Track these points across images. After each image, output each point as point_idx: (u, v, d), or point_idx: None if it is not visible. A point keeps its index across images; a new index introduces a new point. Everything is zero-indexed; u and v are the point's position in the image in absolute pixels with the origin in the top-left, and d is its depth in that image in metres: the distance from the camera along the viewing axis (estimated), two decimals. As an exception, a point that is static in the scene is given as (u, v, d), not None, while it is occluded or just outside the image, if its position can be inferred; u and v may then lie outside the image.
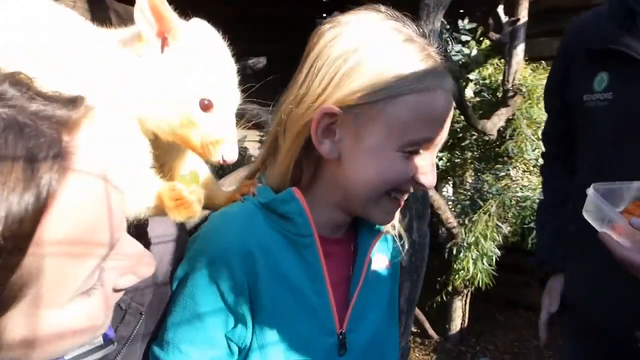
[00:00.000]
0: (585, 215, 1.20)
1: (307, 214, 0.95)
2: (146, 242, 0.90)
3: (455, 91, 0.97)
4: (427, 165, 0.94)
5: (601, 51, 1.36)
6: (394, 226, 1.13)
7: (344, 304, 1.02)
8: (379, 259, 1.11)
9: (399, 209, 1.05)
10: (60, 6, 0.84)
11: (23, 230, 0.45)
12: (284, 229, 0.96)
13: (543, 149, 1.77)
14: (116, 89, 0.80)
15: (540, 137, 1.83)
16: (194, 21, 0.86)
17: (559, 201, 1.60)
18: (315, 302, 0.97)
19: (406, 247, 1.15)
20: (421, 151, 0.93)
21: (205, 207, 1.03)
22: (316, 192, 0.99)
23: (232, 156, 0.85)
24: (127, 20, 2.96)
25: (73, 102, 0.52)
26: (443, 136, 0.96)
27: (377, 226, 1.07)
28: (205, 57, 0.83)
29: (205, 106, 0.81)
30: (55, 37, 0.76)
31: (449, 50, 4.34)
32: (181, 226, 0.99)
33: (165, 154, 0.92)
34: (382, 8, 0.97)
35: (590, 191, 1.18)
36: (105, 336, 0.70)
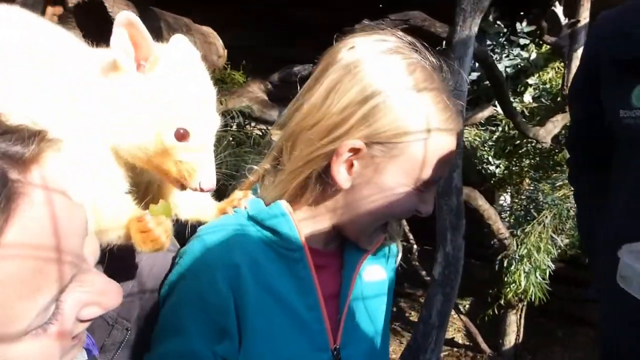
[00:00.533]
0: (621, 283, 1.05)
1: (297, 228, 0.95)
2: (133, 254, 0.91)
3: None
4: (429, 196, 1.00)
5: (634, 59, 1.17)
6: (390, 237, 1.11)
7: (335, 317, 1.00)
8: (374, 270, 1.09)
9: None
10: (47, 24, 0.85)
11: None
12: (274, 243, 0.95)
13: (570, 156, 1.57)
14: (89, 116, 0.79)
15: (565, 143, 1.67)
16: (173, 41, 0.85)
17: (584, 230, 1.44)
18: (307, 317, 0.95)
19: (399, 255, 1.15)
20: (430, 185, 0.97)
21: (195, 220, 1.03)
22: (315, 212, 0.99)
23: (209, 184, 0.83)
24: (177, 29, 3.08)
25: (30, 137, 0.51)
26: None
27: None
28: (182, 84, 0.82)
29: (181, 135, 0.80)
30: (31, 60, 0.76)
31: (506, 54, 4.20)
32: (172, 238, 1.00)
33: (151, 173, 0.91)
34: (400, 33, 0.99)
35: (623, 255, 1.01)
36: (89, 352, 0.71)
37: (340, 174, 0.93)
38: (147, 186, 0.94)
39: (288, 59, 3.15)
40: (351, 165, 0.93)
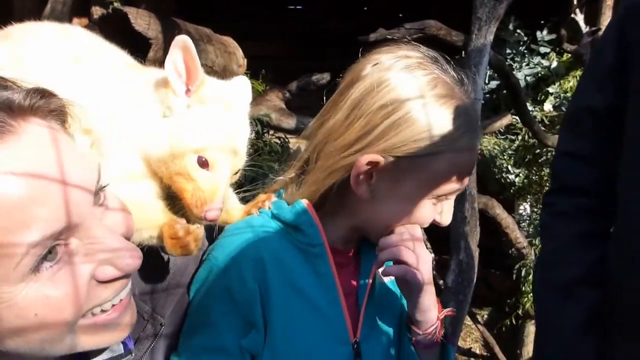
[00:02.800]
0: None
1: (318, 224, 0.99)
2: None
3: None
4: (448, 207, 1.01)
5: None
6: None
7: (355, 313, 1.04)
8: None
9: None
10: (101, 41, 0.93)
11: None
12: (296, 240, 1.00)
13: (553, 184, 1.26)
14: (129, 127, 0.86)
15: (552, 166, 1.28)
16: (236, 79, 0.93)
17: (595, 279, 1.10)
18: (328, 312, 0.99)
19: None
20: (447, 197, 1.00)
21: (222, 221, 1.08)
22: (336, 215, 1.03)
23: (213, 216, 0.87)
24: (198, 40, 3.14)
25: (33, 91, 0.56)
26: None
27: None
28: (217, 118, 0.88)
29: (202, 163, 0.86)
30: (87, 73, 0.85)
31: (526, 63, 4.19)
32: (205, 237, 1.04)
33: None
34: (423, 48, 1.02)
35: None
36: (125, 345, 0.73)
37: (360, 186, 0.97)
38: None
39: (307, 68, 3.19)
40: (370, 177, 0.96)
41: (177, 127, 0.86)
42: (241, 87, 0.97)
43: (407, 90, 0.94)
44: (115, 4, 2.84)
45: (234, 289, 0.93)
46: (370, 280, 1.06)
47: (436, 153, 0.93)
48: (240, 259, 0.95)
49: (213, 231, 1.05)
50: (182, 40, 0.82)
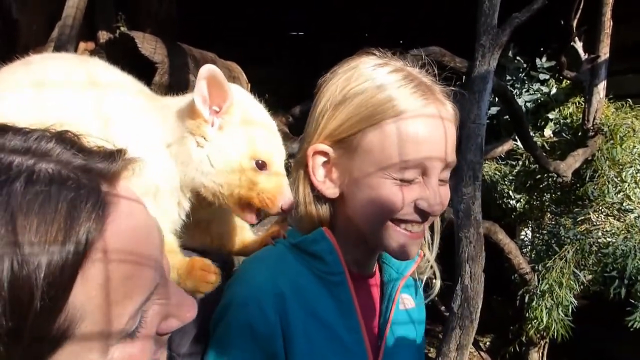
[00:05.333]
0: None
1: (338, 251, 0.98)
2: None
3: (456, 115, 0.98)
4: (427, 192, 0.93)
5: None
6: (428, 261, 1.12)
7: (375, 342, 1.02)
8: (406, 299, 1.11)
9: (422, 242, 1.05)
10: (124, 75, 0.96)
11: (64, 278, 0.48)
12: (315, 268, 0.98)
13: None
14: (171, 164, 0.90)
15: None
16: (234, 88, 0.94)
17: None
18: (348, 339, 0.98)
19: (437, 285, 1.14)
20: (419, 177, 0.92)
21: (238, 253, 1.09)
22: (338, 231, 1.01)
23: (288, 204, 0.93)
24: (204, 64, 3.17)
25: (113, 155, 0.57)
26: (442, 160, 0.93)
27: (404, 264, 1.07)
28: (255, 124, 0.93)
29: (261, 165, 0.90)
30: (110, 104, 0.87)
31: (526, 89, 4.22)
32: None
33: (206, 213, 1.01)
34: (377, 52, 1.01)
35: None
36: None
37: (323, 184, 0.96)
38: (196, 223, 1.03)
39: (310, 93, 3.21)
40: (331, 173, 0.96)
41: (220, 149, 0.89)
42: (242, 90, 1.00)
43: (351, 75, 0.95)
44: (122, 29, 2.88)
45: (255, 324, 0.91)
46: (393, 308, 1.04)
47: (373, 124, 0.90)
48: (260, 293, 0.93)
49: (227, 262, 1.05)
50: (206, 70, 0.85)
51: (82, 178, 0.52)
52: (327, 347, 0.96)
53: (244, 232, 1.10)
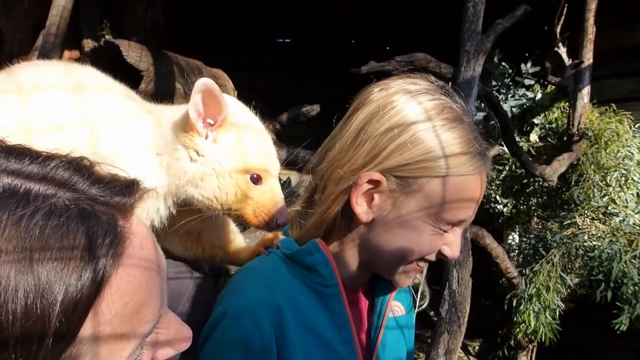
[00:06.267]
0: None
1: (332, 264, 0.98)
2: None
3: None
4: (454, 238, 0.97)
5: None
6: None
7: (367, 352, 1.02)
8: (396, 307, 1.12)
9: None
10: (111, 80, 0.95)
11: (77, 314, 0.48)
12: (309, 280, 0.98)
13: None
14: (158, 171, 0.89)
15: None
16: (229, 101, 0.94)
17: None
18: (343, 351, 0.98)
19: (427, 296, 1.14)
20: (453, 227, 0.96)
21: (231, 263, 1.08)
22: (344, 248, 1.01)
23: (284, 219, 0.92)
24: (189, 72, 3.16)
25: (129, 187, 0.57)
26: (474, 214, 0.98)
27: None
28: (250, 137, 0.92)
29: (256, 180, 0.90)
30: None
31: (511, 94, 4.26)
32: (203, 272, 1.04)
33: (197, 223, 0.99)
34: (432, 78, 1.02)
35: None
36: None
37: (359, 206, 0.95)
38: (188, 233, 1.03)
39: (297, 100, 3.22)
40: (372, 199, 0.95)
41: (214, 163, 0.88)
42: (236, 101, 1.00)
43: (414, 113, 0.94)
44: (107, 37, 2.86)
45: (249, 338, 0.90)
46: (384, 320, 1.04)
47: (439, 176, 0.91)
48: (255, 305, 0.92)
49: (220, 272, 1.04)
50: (202, 84, 0.85)
51: (100, 212, 0.52)
52: (321, 358, 0.95)
53: (236, 242, 1.09)
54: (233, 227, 1.08)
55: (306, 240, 1.00)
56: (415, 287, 1.16)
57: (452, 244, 0.97)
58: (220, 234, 1.06)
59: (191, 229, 1.01)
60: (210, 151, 0.88)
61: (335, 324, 0.98)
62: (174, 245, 1.02)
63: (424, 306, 1.16)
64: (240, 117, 0.93)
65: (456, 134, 0.93)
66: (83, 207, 0.51)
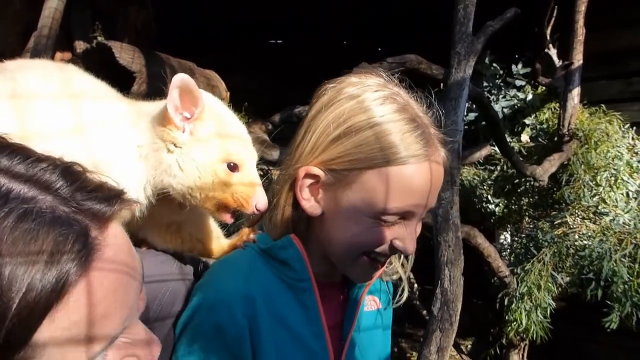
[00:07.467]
0: None
1: (305, 259, 0.99)
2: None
3: (447, 161, 0.99)
4: (405, 232, 0.95)
5: None
6: (395, 271, 1.14)
7: (340, 346, 1.04)
8: (372, 301, 1.13)
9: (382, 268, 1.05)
10: (98, 82, 0.96)
11: (34, 315, 0.48)
12: (283, 274, 1.00)
13: None
14: (137, 163, 0.91)
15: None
16: (205, 96, 0.95)
17: None
18: (314, 345, 1.00)
19: (405, 292, 1.16)
20: (401, 220, 0.95)
21: (209, 256, 1.10)
22: (309, 243, 1.03)
23: (262, 203, 0.95)
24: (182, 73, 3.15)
25: (113, 197, 0.56)
26: (427, 206, 0.96)
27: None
28: (226, 128, 0.95)
29: (232, 168, 0.92)
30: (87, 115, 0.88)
31: (502, 95, 4.30)
32: (187, 268, 1.05)
33: (177, 216, 1.02)
34: (382, 72, 1.02)
35: None
36: None
37: (305, 201, 0.98)
38: (168, 225, 1.05)
39: (289, 102, 3.23)
40: (318, 193, 0.97)
41: (191, 153, 0.91)
42: (211, 96, 1.01)
43: (351, 107, 0.94)
44: (99, 39, 2.86)
45: (224, 326, 0.92)
46: (357, 315, 1.06)
47: (372, 168, 0.91)
48: (229, 296, 0.94)
49: (198, 265, 1.06)
50: (179, 80, 0.88)
51: (74, 220, 0.52)
52: (293, 351, 0.98)
53: (214, 235, 1.11)
54: (212, 221, 1.10)
55: (277, 236, 1.02)
56: (396, 284, 1.18)
57: (403, 238, 0.94)
58: (199, 227, 1.08)
59: (171, 222, 1.04)
60: (188, 142, 0.92)
61: (307, 317, 1.00)
62: (154, 237, 1.04)
63: (401, 302, 1.16)
64: (216, 110, 0.96)
65: (393, 125, 0.92)
66: (58, 214, 0.51)
